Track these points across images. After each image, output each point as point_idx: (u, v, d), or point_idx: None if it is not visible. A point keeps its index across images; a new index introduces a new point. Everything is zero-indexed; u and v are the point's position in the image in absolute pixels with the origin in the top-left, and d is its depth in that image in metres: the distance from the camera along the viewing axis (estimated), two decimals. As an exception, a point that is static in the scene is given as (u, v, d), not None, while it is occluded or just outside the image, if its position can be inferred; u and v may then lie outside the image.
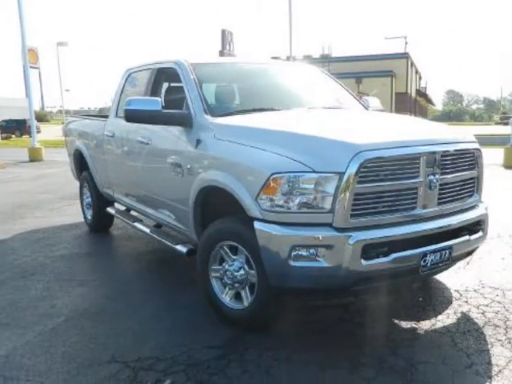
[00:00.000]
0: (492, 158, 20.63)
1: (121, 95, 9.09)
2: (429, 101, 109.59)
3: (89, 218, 10.73)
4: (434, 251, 5.22)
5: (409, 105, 70.81)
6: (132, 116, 6.53)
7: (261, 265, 5.13)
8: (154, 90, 7.86)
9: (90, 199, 10.51)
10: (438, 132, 5.90)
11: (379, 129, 5.91)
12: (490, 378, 4.63)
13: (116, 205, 9.85)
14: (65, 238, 9.98)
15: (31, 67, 29.78)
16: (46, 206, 13.50)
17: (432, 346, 5.25)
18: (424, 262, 5.16)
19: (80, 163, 10.83)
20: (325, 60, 62.12)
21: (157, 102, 6.41)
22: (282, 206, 4.89)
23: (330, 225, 4.80)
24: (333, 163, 4.78)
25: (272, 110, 6.77)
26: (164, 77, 7.94)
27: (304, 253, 4.82)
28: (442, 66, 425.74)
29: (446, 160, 5.37)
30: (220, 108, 6.87)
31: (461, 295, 6.54)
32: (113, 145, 8.80)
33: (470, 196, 5.86)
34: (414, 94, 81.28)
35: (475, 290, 6.70)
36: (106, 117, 9.65)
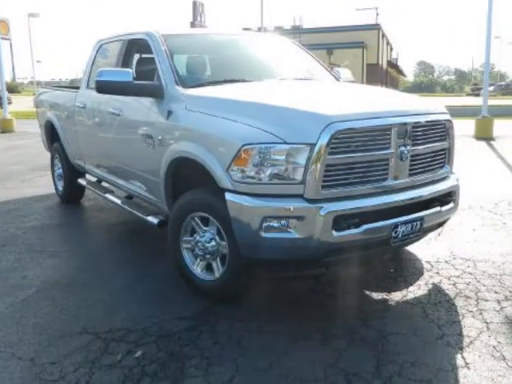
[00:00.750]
0: (463, 129, 20.70)
1: (92, 66, 9.01)
2: (400, 72, 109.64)
3: (60, 189, 10.66)
4: (405, 222, 5.24)
5: (380, 76, 70.91)
6: (103, 87, 6.48)
7: (232, 236, 5.12)
8: (126, 62, 7.80)
9: (61, 170, 10.44)
10: (409, 103, 5.90)
11: (350, 100, 5.91)
12: (462, 349, 4.66)
13: (87, 176, 9.78)
14: (36, 209, 9.92)
15: (2, 38, 29.55)
16: (17, 177, 13.39)
17: (403, 318, 5.28)
18: (395, 233, 5.17)
19: (51, 134, 10.75)
20: (296, 31, 61.89)
21: (128, 73, 6.35)
22: (253, 178, 4.87)
23: (301, 196, 4.80)
24: (304, 134, 4.77)
25: (243, 81, 6.74)
26: (135, 48, 7.87)
27: (275, 224, 4.82)
28: (413, 38, 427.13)
29: (417, 131, 5.37)
30: (191, 79, 6.83)
31: (432, 266, 6.58)
32: (84, 116, 8.73)
33: (442, 167, 5.88)
34: (385, 66, 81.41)
35: (446, 262, 6.73)
36: (78, 88, 9.57)
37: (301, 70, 7.95)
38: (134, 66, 7.79)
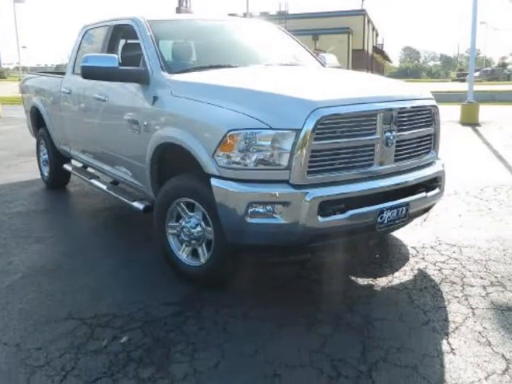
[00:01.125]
0: (449, 114, 20.80)
1: (78, 52, 8.99)
2: (385, 58, 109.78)
3: (46, 174, 10.65)
4: (391, 208, 5.25)
5: (365, 62, 70.99)
6: (89, 73, 6.46)
7: (217, 222, 5.12)
8: (111, 47, 7.78)
9: (46, 156, 10.42)
10: (394, 89, 5.90)
11: (336, 86, 5.91)
12: (447, 334, 4.67)
13: (73, 162, 9.75)
14: (22, 195, 9.89)
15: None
16: (3, 162, 13.34)
17: (389, 303, 5.30)
18: (381, 218, 5.19)
19: (37, 120, 10.71)
20: (281, 17, 61.83)
21: (113, 59, 6.33)
22: (238, 163, 4.87)
23: (286, 182, 4.80)
24: (290, 120, 4.77)
25: (229, 66, 6.74)
26: (121, 34, 7.84)
27: (261, 210, 4.82)
28: (398, 23, 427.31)
29: (402, 117, 5.37)
30: (177, 65, 6.82)
31: (418, 252, 6.60)
32: (69, 101, 8.71)
33: (427, 153, 5.89)
34: (370, 51, 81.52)
35: (432, 247, 6.76)
36: (63, 74, 9.54)
37: (286, 55, 7.93)
38: (119, 52, 7.75)
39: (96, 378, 4.09)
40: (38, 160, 11.00)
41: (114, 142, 7.30)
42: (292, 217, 4.78)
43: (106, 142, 7.63)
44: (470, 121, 20.97)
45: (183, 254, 5.73)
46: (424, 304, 5.24)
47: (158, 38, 6.76)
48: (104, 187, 7.95)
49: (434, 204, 6.08)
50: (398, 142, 5.34)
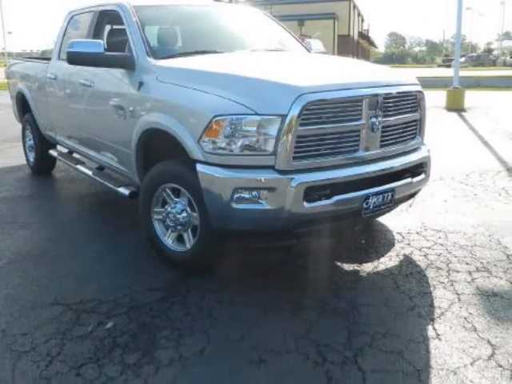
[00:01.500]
0: (434, 100, 20.84)
1: (63, 38, 8.96)
2: (371, 43, 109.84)
3: (31, 160, 10.63)
4: (377, 193, 5.26)
5: (351, 47, 70.91)
6: (74, 58, 6.43)
7: (203, 207, 5.12)
8: (97, 33, 7.76)
9: (32, 142, 10.39)
10: (380, 74, 5.92)
11: (322, 71, 5.90)
12: (433, 320, 4.69)
13: (58, 147, 9.71)
14: (7, 181, 9.87)
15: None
16: (-12, 148, 13.28)
17: (374, 289, 5.31)
18: (366, 204, 5.20)
19: (22, 105, 10.68)
20: (267, 2, 61.35)
21: (99, 45, 6.30)
22: (224, 149, 4.87)
23: (272, 167, 4.80)
24: (275, 106, 4.77)
25: (215, 52, 6.72)
26: (106, 19, 7.82)
27: (246, 195, 4.83)
28: (384, 9, 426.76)
29: (388, 102, 5.38)
30: (162, 50, 6.78)
31: (403, 238, 6.62)
32: (55, 87, 8.68)
33: (413, 138, 5.90)
34: (356, 37, 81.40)
35: (418, 233, 6.78)
36: (49, 59, 9.50)
37: (272, 41, 7.92)
38: (105, 38, 7.76)
39: (82, 363, 4.09)
40: (24, 146, 10.96)
41: (100, 128, 7.28)
42: (277, 202, 4.78)
43: (91, 128, 7.60)
44: (455, 106, 20.98)
45: (169, 240, 5.73)
46: (410, 290, 5.26)
47: (144, 24, 6.73)
48: (90, 173, 7.93)
49: (419, 190, 6.10)
50: (383, 127, 5.34)
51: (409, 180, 5.69)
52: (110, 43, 7.08)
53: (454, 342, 4.33)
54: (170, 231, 5.71)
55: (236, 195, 4.83)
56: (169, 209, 5.62)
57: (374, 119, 5.19)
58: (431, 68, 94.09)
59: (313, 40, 8.70)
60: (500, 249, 6.22)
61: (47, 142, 9.82)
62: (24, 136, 10.89)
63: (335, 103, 4.96)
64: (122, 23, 6.90)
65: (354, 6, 74.80)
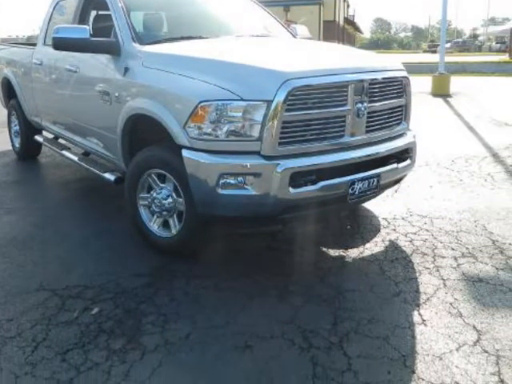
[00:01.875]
0: (420, 86, 20.82)
1: (49, 23, 8.92)
2: (357, 29, 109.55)
3: (17, 145, 10.61)
4: (362, 179, 5.27)
5: (337, 33, 70.69)
6: (60, 44, 6.40)
7: (189, 193, 5.13)
8: (82, 18, 7.74)
9: (18, 127, 10.37)
10: (366, 60, 5.91)
11: (307, 57, 5.90)
12: (418, 305, 4.70)
13: (44, 133, 9.70)
14: (-8, 167, 9.82)
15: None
16: (-27, 134, 13.22)
17: (360, 274, 5.32)
18: (352, 189, 5.21)
19: (8, 91, 10.68)
20: (252, -12, 61.34)
21: (85, 30, 6.28)
22: (210, 134, 4.86)
23: (258, 153, 4.80)
24: (261, 91, 4.76)
25: (200, 37, 6.70)
26: (92, 5, 7.78)
27: (232, 181, 4.83)
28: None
29: (373, 88, 5.38)
30: (148, 36, 6.75)
31: (389, 223, 6.64)
32: (41, 73, 8.65)
33: (398, 124, 5.91)
34: (341, 22, 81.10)
35: (403, 218, 6.80)
36: (34, 45, 9.45)
37: (257, 26, 7.93)
38: (90, 23, 7.72)
39: (67, 349, 4.09)
40: (9, 131, 10.94)
41: (86, 113, 7.25)
42: (263, 188, 4.79)
43: (77, 114, 7.58)
44: (441, 92, 20.99)
45: (154, 225, 5.73)
46: (395, 275, 5.27)
47: (129, 9, 6.71)
48: (75, 158, 7.92)
49: (405, 175, 6.12)
50: (369, 113, 5.35)
51: (394, 166, 5.70)
52: (95, 29, 7.02)
53: (439, 328, 4.35)
54: (155, 217, 5.71)
55: (221, 181, 4.83)
56: (154, 194, 5.62)
57: (359, 105, 5.19)
58: (417, 54, 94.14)
59: (298, 26, 8.70)
60: (485, 234, 6.25)
61: (33, 127, 9.81)
62: (10, 122, 10.86)
63: (321, 89, 4.95)
64: (107, 9, 6.86)
65: (340, -8, 74.65)
